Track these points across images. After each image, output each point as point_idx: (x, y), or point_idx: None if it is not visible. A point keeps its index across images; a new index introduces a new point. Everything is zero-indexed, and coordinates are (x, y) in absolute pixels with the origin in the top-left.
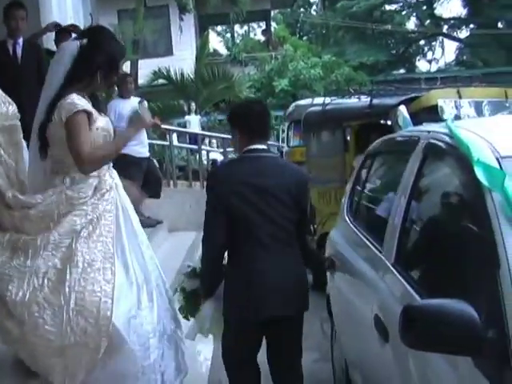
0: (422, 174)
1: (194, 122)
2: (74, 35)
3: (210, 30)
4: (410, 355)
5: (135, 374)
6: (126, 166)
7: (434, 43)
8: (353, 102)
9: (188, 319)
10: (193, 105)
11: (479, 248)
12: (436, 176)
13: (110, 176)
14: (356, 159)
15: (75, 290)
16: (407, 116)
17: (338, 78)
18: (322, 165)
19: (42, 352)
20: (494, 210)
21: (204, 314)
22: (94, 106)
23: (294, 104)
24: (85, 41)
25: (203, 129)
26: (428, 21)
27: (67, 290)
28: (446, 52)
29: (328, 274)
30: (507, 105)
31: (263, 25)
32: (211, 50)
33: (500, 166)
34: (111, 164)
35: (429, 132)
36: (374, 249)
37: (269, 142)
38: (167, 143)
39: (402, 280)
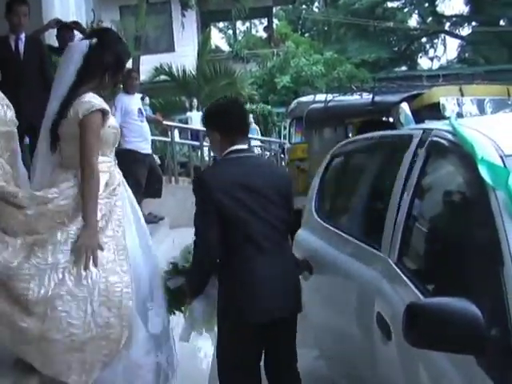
0: (425, 172)
1: (195, 119)
2: (75, 32)
3: (211, 27)
4: (413, 353)
5: (150, 364)
6: (130, 162)
7: (435, 40)
8: (355, 99)
9: (174, 313)
10: (194, 101)
11: (483, 246)
12: (439, 174)
13: (118, 172)
14: None
15: (98, 281)
16: (409, 113)
17: (340, 75)
18: None
19: (60, 348)
20: (497, 208)
21: (195, 315)
22: None
23: (295, 101)
24: (94, 41)
25: None
26: (430, 18)
27: (90, 281)
28: (447, 49)
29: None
30: (510, 102)
31: (265, 21)
32: (213, 47)
33: (504, 164)
34: (116, 160)
35: (425, 130)
36: (368, 247)
37: (270, 139)
38: (169, 139)
39: (406, 278)
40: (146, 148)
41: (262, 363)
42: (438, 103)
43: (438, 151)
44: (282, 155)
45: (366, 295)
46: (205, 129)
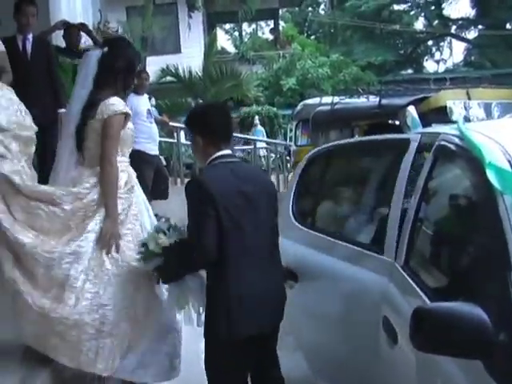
0: (432, 176)
1: None
2: (82, 33)
3: (218, 28)
4: (419, 357)
5: (165, 351)
6: (137, 162)
7: (442, 44)
8: (361, 101)
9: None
10: (200, 102)
11: (490, 250)
12: (447, 178)
13: (133, 172)
14: None
15: (121, 265)
16: (416, 116)
17: (346, 78)
18: None
19: (90, 334)
20: (505, 213)
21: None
22: None
23: (302, 103)
24: (106, 49)
25: None
26: (436, 21)
27: (114, 267)
28: (453, 53)
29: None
30: None
31: (271, 23)
32: (219, 48)
33: None
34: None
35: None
36: (368, 252)
37: (276, 141)
38: (175, 141)
39: (412, 282)
40: (153, 149)
41: None
42: (445, 107)
43: (446, 155)
44: (288, 157)
45: (371, 300)
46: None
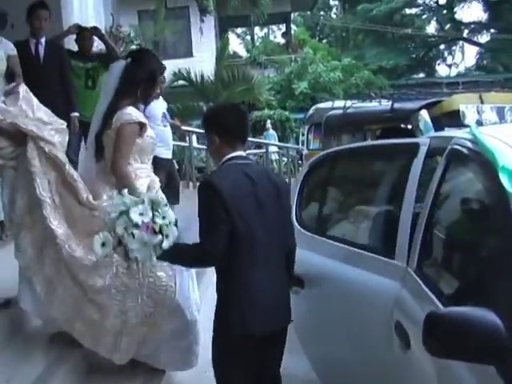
0: (445, 180)
1: None
2: (94, 37)
3: (230, 32)
4: (432, 362)
5: (188, 343)
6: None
7: (454, 47)
8: (374, 105)
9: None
10: (218, 102)
11: (503, 255)
12: (460, 182)
13: (156, 177)
14: None
15: (147, 275)
16: (429, 120)
17: (358, 82)
18: None
19: (112, 332)
20: None
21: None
22: None
23: (314, 107)
24: (129, 60)
25: None
26: (448, 25)
27: (141, 275)
28: (466, 57)
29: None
30: None
31: (283, 27)
32: (231, 52)
33: None
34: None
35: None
36: (378, 256)
37: (288, 145)
38: (187, 144)
39: (425, 287)
40: (165, 153)
41: None
42: (458, 111)
43: (459, 159)
44: (300, 161)
45: (383, 305)
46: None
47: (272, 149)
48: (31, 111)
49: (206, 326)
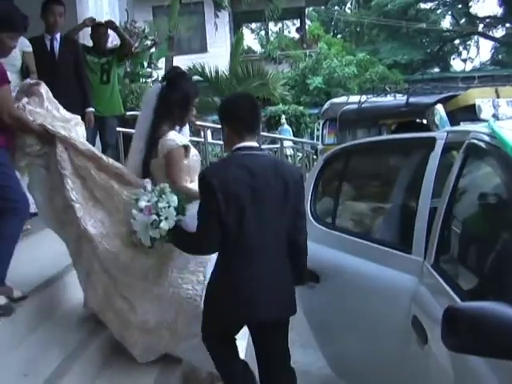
0: (463, 174)
1: None
2: (109, 31)
3: (244, 28)
4: (450, 357)
5: None
6: None
7: (469, 42)
8: (389, 100)
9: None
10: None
11: None
12: (478, 176)
13: None
14: None
15: (173, 285)
16: (444, 115)
17: (372, 77)
18: None
19: (135, 329)
20: None
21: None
22: None
23: (329, 102)
24: (165, 83)
25: None
26: (463, 19)
27: (167, 284)
28: (481, 51)
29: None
30: None
31: (297, 22)
32: (245, 48)
33: None
34: None
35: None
36: (394, 251)
37: (303, 140)
38: (202, 140)
39: (443, 281)
40: None
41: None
42: (474, 105)
43: (476, 153)
44: (315, 156)
45: (400, 299)
46: None
47: (287, 144)
48: (56, 109)
49: None
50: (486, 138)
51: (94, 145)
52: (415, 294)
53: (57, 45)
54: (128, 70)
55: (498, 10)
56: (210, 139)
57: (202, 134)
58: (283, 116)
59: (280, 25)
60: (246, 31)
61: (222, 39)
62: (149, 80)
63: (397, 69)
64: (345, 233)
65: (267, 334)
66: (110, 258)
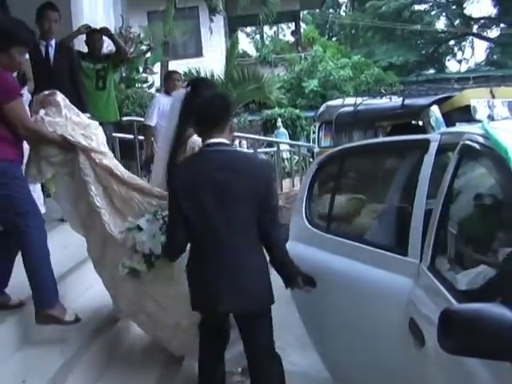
0: (457, 175)
1: None
2: (104, 37)
3: (239, 31)
4: (447, 359)
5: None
6: None
7: (463, 43)
8: (384, 102)
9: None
10: None
11: None
12: (472, 178)
13: None
14: None
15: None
16: (440, 116)
17: (368, 79)
18: None
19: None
20: None
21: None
22: None
23: (325, 104)
24: (189, 89)
25: None
26: (458, 20)
27: (174, 287)
28: (475, 52)
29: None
30: None
31: (292, 26)
32: (241, 51)
33: None
34: None
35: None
36: (390, 253)
37: (299, 143)
38: None
39: (439, 283)
40: None
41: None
42: (469, 106)
43: (471, 155)
44: (311, 159)
45: (396, 302)
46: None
47: (283, 147)
48: (75, 115)
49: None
50: (480, 140)
51: None
52: (412, 296)
53: (52, 51)
54: (123, 75)
55: (492, 11)
56: None
57: None
58: (279, 119)
59: (275, 28)
60: (240, 35)
61: (217, 43)
62: (144, 85)
63: (392, 70)
64: (340, 236)
65: (246, 324)
66: None
